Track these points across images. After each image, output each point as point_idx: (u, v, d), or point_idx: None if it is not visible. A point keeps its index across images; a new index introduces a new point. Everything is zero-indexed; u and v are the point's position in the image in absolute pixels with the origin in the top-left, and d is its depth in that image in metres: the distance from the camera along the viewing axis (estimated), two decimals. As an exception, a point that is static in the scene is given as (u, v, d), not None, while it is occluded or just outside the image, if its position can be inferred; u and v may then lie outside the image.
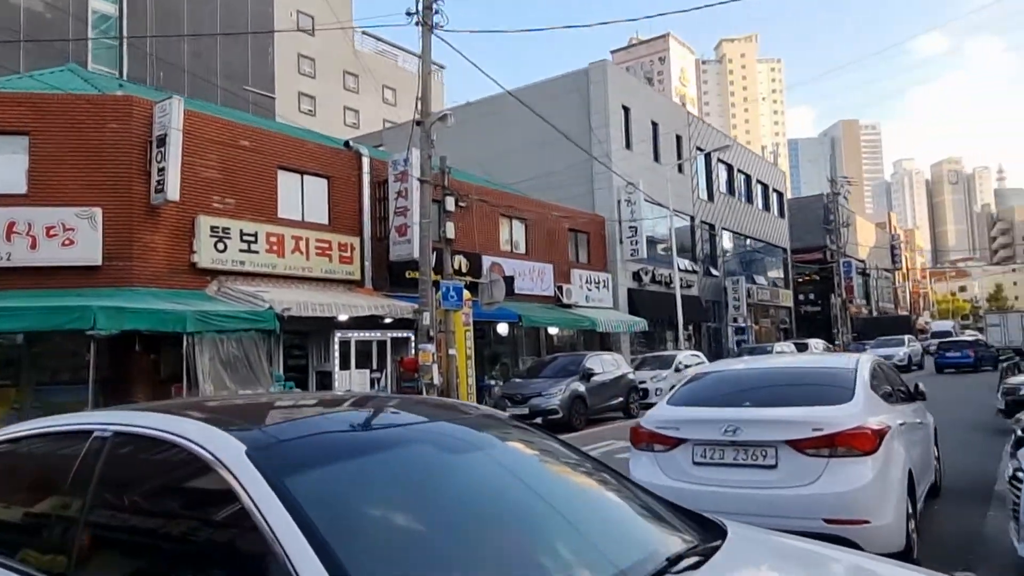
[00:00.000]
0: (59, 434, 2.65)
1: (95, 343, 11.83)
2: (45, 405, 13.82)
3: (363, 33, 52.72)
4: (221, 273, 14.91)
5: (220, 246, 14.79)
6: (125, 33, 30.19)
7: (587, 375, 15.69)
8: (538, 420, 14.68)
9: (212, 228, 14.68)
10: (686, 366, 20.43)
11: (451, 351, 16.03)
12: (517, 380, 16.72)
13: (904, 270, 75.73)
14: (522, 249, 23.34)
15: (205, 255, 14.54)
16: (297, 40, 45.34)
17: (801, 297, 48.50)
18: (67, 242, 13.26)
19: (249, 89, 36.18)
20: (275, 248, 15.76)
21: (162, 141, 13.58)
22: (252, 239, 15.35)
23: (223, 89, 33.35)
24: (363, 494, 2.05)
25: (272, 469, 1.92)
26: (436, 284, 15.77)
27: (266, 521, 1.78)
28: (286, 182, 16.47)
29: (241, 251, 15.14)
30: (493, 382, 19.76)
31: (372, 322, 16.41)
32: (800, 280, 48.30)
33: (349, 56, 49.50)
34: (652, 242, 29.92)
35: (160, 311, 12.30)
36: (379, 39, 54.70)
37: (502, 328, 21.18)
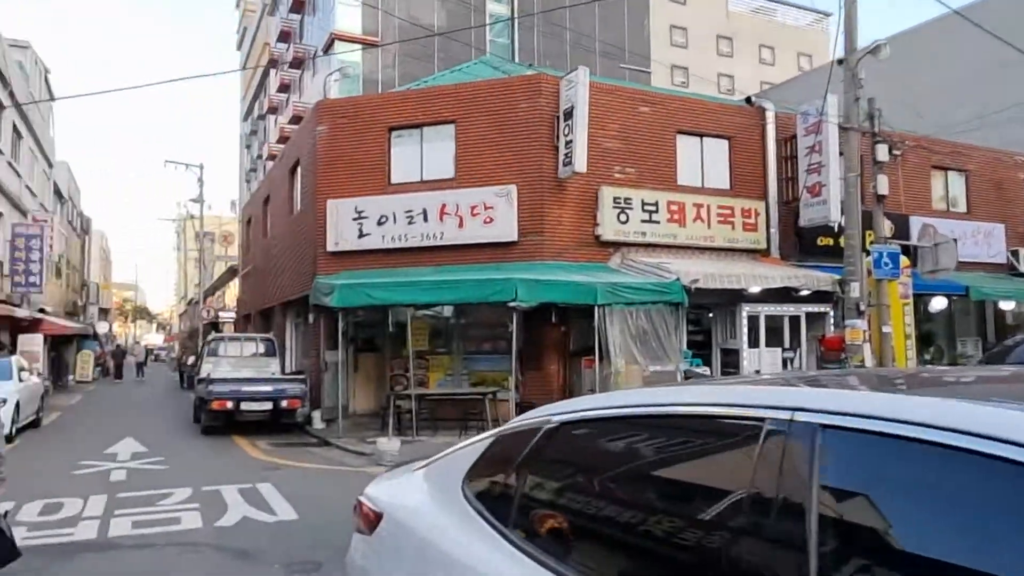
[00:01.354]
0: (692, 417, 1.79)
1: (516, 315, 12.16)
2: (472, 374, 14.94)
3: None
4: (623, 245, 14.51)
5: (622, 217, 14.37)
6: (516, 29, 32.38)
7: None
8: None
9: (614, 199, 14.32)
10: None
11: (885, 328, 13.40)
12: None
13: None
14: (961, 207, 19.06)
15: (608, 227, 14.24)
16: (669, 11, 44.52)
17: None
18: (487, 220, 14.01)
19: (625, 67, 36.32)
20: (676, 217, 14.86)
21: (568, 114, 13.53)
22: (653, 208, 14.66)
23: (603, 69, 33.93)
24: None
25: None
26: (864, 250, 13.32)
27: None
28: (685, 146, 15.44)
29: (643, 221, 14.55)
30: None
31: (783, 295, 14.55)
32: None
33: (721, 19, 47.16)
34: None
35: (573, 283, 12.21)
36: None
37: (937, 303, 17.46)
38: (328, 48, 32.33)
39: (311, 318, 15.43)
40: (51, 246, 24.62)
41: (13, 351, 18.45)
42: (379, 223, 14.57)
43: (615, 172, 14.58)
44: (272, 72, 46.08)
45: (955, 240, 16.12)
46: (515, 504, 2.05)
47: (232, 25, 67.76)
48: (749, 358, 14.26)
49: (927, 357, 17.63)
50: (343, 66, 22.23)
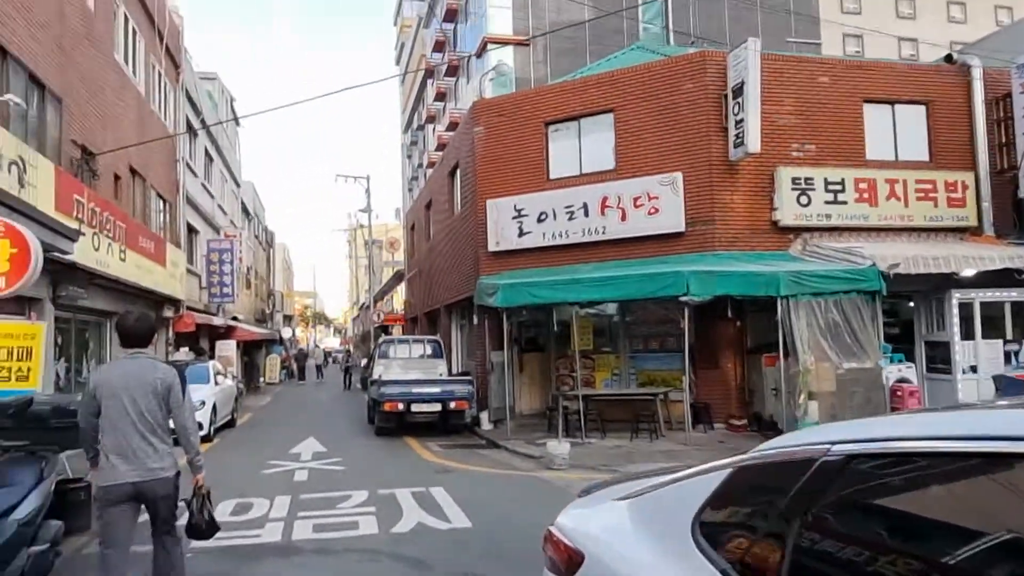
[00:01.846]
0: None
1: (688, 310, 11.32)
2: (640, 373, 14.25)
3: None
4: (804, 230, 13.19)
5: (803, 199, 13.06)
6: (670, 10, 31.00)
7: None
8: None
9: (793, 180, 13.04)
10: None
11: None
12: None
13: None
14: None
15: (787, 211, 12.99)
16: (838, -23, 41.08)
17: None
18: (652, 211, 13.26)
19: (792, 40, 33.89)
20: (865, 196, 13.30)
21: (738, 91, 12.48)
22: (838, 188, 13.20)
23: (767, 46, 31.81)
24: None
25: None
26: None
27: None
28: (873, 117, 13.80)
29: (827, 203, 13.14)
30: None
31: (1002, 278, 12.54)
32: None
33: (900, -22, 42.84)
34: None
35: (751, 274, 11.18)
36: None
37: None
38: (481, 53, 32.79)
39: (475, 319, 15.43)
40: (240, 259, 26.76)
41: (212, 356, 20.12)
42: (539, 220, 14.27)
43: (792, 151, 13.29)
44: (429, 82, 47.71)
45: None
46: (784, 567, 1.46)
47: (391, 42, 71.25)
48: (962, 352, 12.43)
49: None
50: (498, 63, 22.27)
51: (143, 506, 4.23)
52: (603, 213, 13.62)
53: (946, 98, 14.07)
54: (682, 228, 13.07)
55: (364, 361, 30.42)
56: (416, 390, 13.57)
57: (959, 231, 13.81)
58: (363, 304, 53.88)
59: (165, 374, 4.25)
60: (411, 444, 12.90)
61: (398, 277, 37.91)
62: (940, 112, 14.03)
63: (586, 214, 13.76)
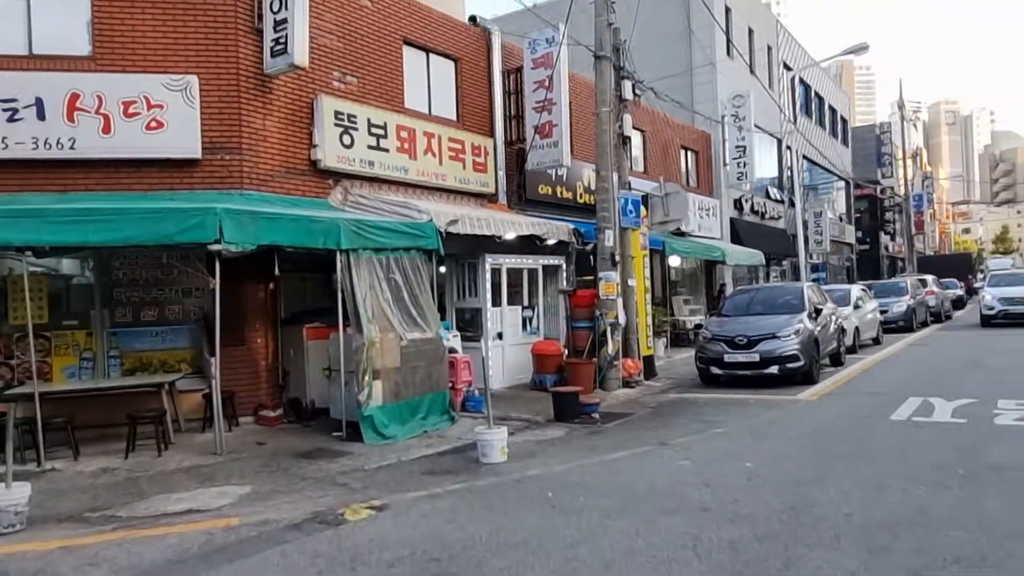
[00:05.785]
0: None
1: (217, 266, 8.05)
2: (126, 355, 10.18)
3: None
4: (346, 176, 11.13)
5: (346, 139, 10.96)
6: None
7: (815, 311, 12.29)
8: (773, 370, 11.29)
9: (337, 114, 10.82)
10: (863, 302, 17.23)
11: (630, 282, 12.52)
12: (722, 318, 13.14)
13: (933, 210, 72.88)
14: (640, 166, 19.60)
15: (329, 150, 10.70)
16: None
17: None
18: (154, 124, 9.35)
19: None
20: (406, 146, 11.96)
21: (281, -17, 9.59)
22: (381, 132, 11.53)
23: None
24: None
25: None
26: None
27: None
28: (412, 61, 12.55)
29: (370, 147, 11.33)
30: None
31: (521, 246, 12.75)
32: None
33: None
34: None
35: (307, 219, 8.57)
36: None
37: (673, 260, 17.80)
38: None
39: None
40: None
41: None
42: (-52, 116, 8.82)
43: (334, 80, 11.06)
44: None
45: (646, 196, 16.16)
46: None
47: None
48: (493, 319, 12.18)
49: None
50: None
51: None
52: (72, 119, 9.07)
53: (472, 60, 13.77)
54: (198, 154, 9.56)
55: None
56: None
57: (481, 196, 13.70)
58: None
59: None
60: None
61: None
62: (468, 73, 13.66)
63: (40, 115, 8.98)
